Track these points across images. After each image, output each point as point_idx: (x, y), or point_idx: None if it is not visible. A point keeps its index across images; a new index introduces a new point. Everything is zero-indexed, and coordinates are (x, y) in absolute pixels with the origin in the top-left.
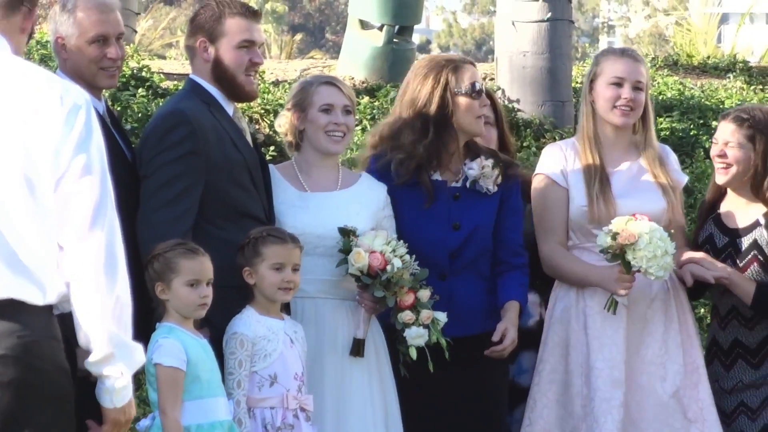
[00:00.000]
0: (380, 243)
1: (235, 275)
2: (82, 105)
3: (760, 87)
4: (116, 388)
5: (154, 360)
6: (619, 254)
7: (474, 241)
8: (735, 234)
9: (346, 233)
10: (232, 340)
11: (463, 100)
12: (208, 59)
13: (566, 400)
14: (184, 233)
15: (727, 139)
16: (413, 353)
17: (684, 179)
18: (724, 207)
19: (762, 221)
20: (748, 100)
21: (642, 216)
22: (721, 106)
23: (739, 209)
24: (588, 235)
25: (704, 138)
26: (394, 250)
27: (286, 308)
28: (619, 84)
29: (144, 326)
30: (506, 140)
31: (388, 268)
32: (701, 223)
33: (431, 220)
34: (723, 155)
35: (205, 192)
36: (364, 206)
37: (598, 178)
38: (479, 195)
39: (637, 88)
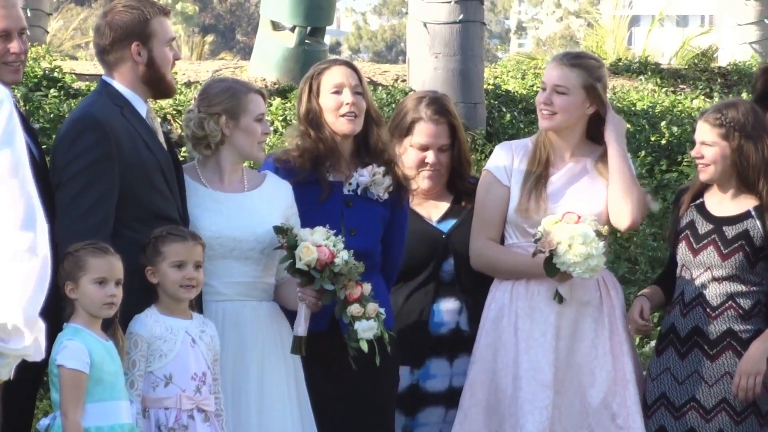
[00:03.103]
0: (321, 237)
1: None
2: (3, 99)
3: (672, 89)
4: None
5: (58, 361)
6: (546, 258)
7: (368, 251)
8: (721, 222)
9: (283, 231)
10: (128, 340)
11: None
12: (141, 62)
13: (494, 400)
14: (104, 241)
15: (702, 138)
16: (365, 346)
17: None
18: (708, 197)
19: (753, 213)
20: (659, 102)
21: (572, 215)
22: (632, 108)
23: (725, 200)
24: (525, 235)
25: None
26: (334, 245)
27: (200, 308)
28: (543, 88)
29: (54, 325)
30: (463, 160)
31: (336, 260)
32: (683, 209)
33: (325, 219)
34: (700, 156)
35: (119, 195)
36: (274, 206)
37: (535, 176)
38: (371, 201)
39: (557, 92)
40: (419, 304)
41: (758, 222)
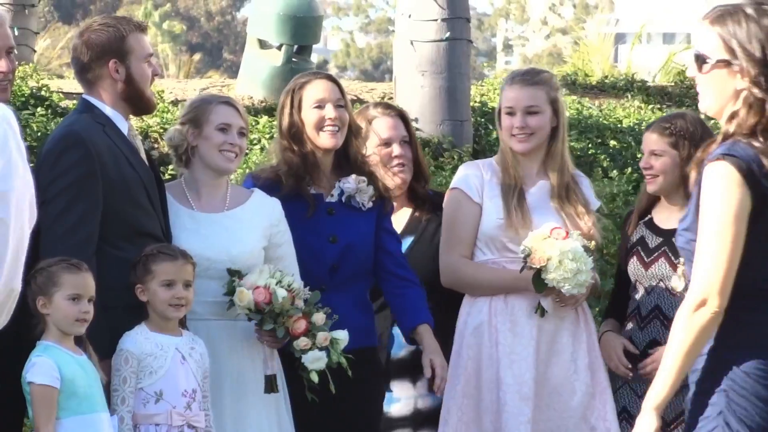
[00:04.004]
0: (265, 277)
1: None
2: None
3: (658, 106)
4: None
5: (28, 378)
6: (535, 274)
7: (353, 256)
8: (670, 234)
9: (233, 273)
10: (118, 356)
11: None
12: (119, 79)
13: (477, 415)
14: (88, 260)
15: (651, 148)
16: (314, 377)
17: (595, 204)
18: (656, 212)
19: None
20: (646, 119)
21: (560, 230)
22: (618, 125)
23: (672, 213)
24: (503, 250)
25: (602, 157)
26: (279, 281)
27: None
28: (511, 113)
29: (22, 343)
30: (420, 160)
31: (273, 299)
32: (631, 228)
33: (310, 232)
34: (648, 167)
35: (103, 213)
36: (255, 225)
37: (516, 191)
38: (354, 210)
39: (529, 113)
40: (378, 329)
41: None
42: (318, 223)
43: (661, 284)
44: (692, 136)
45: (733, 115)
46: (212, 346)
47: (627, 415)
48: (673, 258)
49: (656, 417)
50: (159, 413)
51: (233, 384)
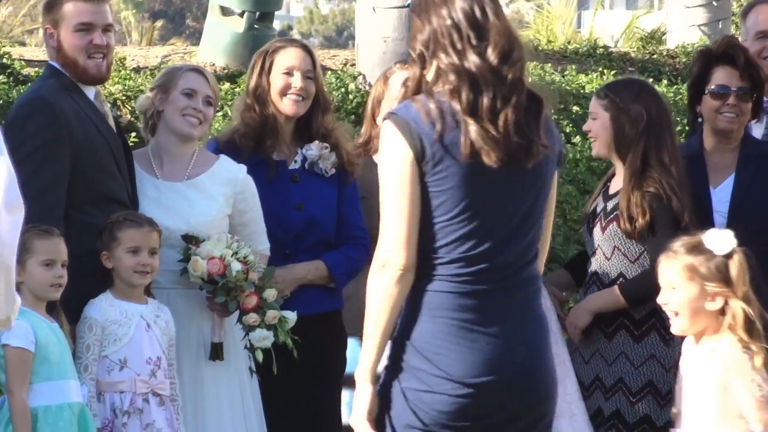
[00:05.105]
0: (221, 248)
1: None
2: None
3: (620, 72)
4: None
5: (2, 341)
6: None
7: (319, 224)
8: (606, 198)
9: (189, 240)
10: (82, 324)
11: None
12: (54, 45)
13: None
14: (56, 225)
15: (590, 112)
16: (259, 356)
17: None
18: (613, 180)
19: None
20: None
21: None
22: (581, 91)
23: (618, 176)
24: None
25: (565, 123)
26: (235, 253)
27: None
28: None
29: None
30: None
31: (227, 272)
32: (594, 195)
33: (276, 199)
34: (588, 130)
35: (70, 178)
36: (217, 193)
37: None
38: (318, 177)
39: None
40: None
41: (634, 192)
42: (284, 190)
43: (600, 251)
44: (623, 99)
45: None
46: (172, 314)
47: (600, 383)
48: (603, 222)
49: (368, 384)
50: (123, 381)
51: (192, 352)
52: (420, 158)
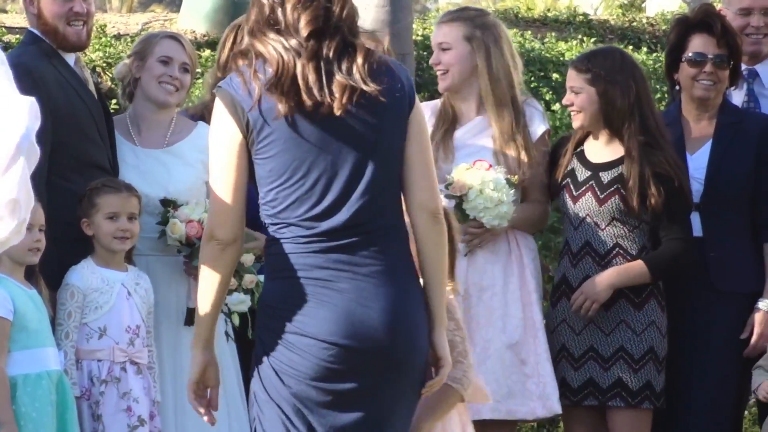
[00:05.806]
0: (200, 212)
1: None
2: None
3: (600, 40)
4: None
5: None
6: (457, 203)
7: None
8: (598, 168)
9: (167, 204)
10: (64, 291)
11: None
12: (34, 12)
13: None
14: (38, 191)
15: (571, 85)
16: (236, 320)
17: (536, 132)
18: (587, 145)
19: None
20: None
21: (483, 162)
22: (561, 59)
23: (601, 147)
24: None
25: (544, 90)
26: None
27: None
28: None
29: None
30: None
31: None
32: (566, 158)
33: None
34: (570, 103)
35: (52, 144)
36: (195, 160)
37: (442, 130)
38: None
39: (442, 49)
40: None
41: (634, 165)
42: None
43: (589, 220)
44: (609, 72)
45: None
46: (152, 281)
47: (566, 353)
48: (599, 193)
49: (200, 353)
50: (102, 349)
51: (171, 318)
52: (245, 131)
